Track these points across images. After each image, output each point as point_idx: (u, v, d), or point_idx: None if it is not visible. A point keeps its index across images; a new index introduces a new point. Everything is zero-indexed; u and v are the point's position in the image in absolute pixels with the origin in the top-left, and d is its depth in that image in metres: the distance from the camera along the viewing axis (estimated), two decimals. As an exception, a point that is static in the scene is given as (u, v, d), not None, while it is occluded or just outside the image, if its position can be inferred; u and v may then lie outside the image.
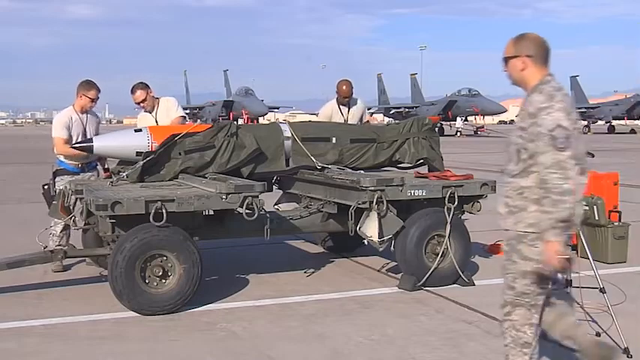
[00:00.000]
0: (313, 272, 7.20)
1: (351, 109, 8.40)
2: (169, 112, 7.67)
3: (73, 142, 7.24)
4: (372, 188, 6.30)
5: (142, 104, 7.66)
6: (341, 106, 8.39)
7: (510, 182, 3.70)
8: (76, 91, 7.44)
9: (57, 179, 7.31)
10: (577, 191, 3.45)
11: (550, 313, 3.77)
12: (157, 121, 7.60)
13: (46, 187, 7.33)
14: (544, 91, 3.54)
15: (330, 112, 8.45)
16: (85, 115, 7.44)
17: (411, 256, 6.50)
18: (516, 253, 3.64)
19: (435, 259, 6.54)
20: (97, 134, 7.44)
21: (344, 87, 8.28)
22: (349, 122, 8.28)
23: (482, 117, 60.52)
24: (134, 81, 7.75)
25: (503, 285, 3.74)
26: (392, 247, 6.56)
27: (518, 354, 3.70)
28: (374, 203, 6.29)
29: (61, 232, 7.19)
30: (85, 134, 7.35)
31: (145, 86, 7.67)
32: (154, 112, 7.67)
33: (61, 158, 7.39)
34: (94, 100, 7.44)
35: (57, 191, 7.08)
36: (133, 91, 7.66)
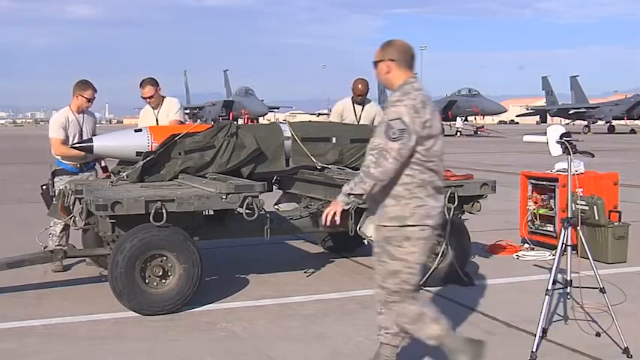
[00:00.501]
0: (313, 272, 7.20)
1: (364, 109, 8.36)
2: (170, 112, 7.69)
3: (70, 142, 7.25)
4: (372, 188, 6.29)
5: (148, 100, 7.69)
6: (355, 105, 8.36)
7: None
8: (72, 91, 7.44)
9: (56, 179, 7.31)
10: (383, 181, 3.72)
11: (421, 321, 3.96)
12: (157, 119, 7.63)
13: (44, 187, 7.33)
14: (402, 89, 3.82)
15: (341, 109, 8.41)
16: (81, 115, 7.45)
17: (411, 256, 6.49)
18: (386, 254, 3.87)
19: (435, 259, 6.53)
20: (94, 134, 7.45)
21: (359, 85, 8.25)
22: (361, 122, 8.25)
23: (482, 117, 60.55)
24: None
25: (376, 285, 3.98)
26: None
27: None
28: (374, 203, 6.28)
29: (60, 232, 7.19)
30: (81, 134, 7.35)
31: (154, 82, 7.72)
32: (157, 109, 7.69)
33: (60, 158, 7.39)
34: (90, 100, 7.44)
35: (56, 191, 7.08)
36: (142, 85, 7.69)
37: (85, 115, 7.49)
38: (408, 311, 3.89)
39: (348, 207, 3.82)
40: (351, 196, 3.82)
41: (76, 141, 7.23)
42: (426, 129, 3.73)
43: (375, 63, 3.96)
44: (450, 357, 3.98)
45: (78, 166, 7.40)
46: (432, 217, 3.84)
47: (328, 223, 3.89)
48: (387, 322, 4.08)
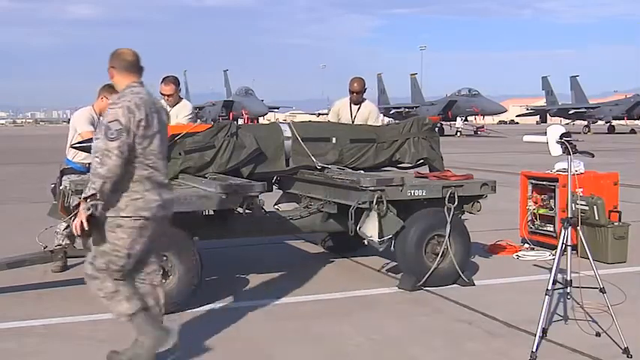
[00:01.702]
0: (313, 272, 7.20)
1: (360, 108, 8.35)
2: (179, 114, 7.73)
3: (76, 139, 7.27)
4: (372, 188, 6.30)
5: (167, 97, 7.72)
6: (352, 105, 8.35)
7: None
8: (98, 93, 7.45)
9: (64, 178, 7.33)
10: (110, 178, 4.06)
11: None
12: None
13: (53, 185, 7.37)
14: (121, 93, 4.27)
15: (338, 108, 8.40)
16: (102, 118, 7.48)
17: (411, 256, 6.50)
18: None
19: (435, 259, 6.53)
20: None
21: (355, 84, 8.24)
22: (356, 121, 8.22)
23: (482, 117, 60.56)
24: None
25: (87, 258, 4.36)
26: (392, 247, 6.56)
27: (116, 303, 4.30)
28: (374, 203, 6.29)
29: (64, 229, 7.19)
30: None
31: (177, 82, 7.82)
32: (171, 109, 7.73)
33: (69, 157, 7.41)
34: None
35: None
36: (164, 82, 7.72)
37: (103, 117, 7.53)
38: (105, 287, 4.27)
39: (90, 211, 4.11)
40: (88, 200, 4.11)
41: (78, 141, 7.25)
42: (140, 128, 4.13)
43: (108, 69, 4.40)
44: (135, 335, 4.35)
45: (87, 165, 7.42)
46: (148, 209, 4.22)
47: (79, 233, 4.17)
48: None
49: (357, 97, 8.28)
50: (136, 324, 4.32)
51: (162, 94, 7.73)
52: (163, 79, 7.76)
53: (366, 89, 8.34)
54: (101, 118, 7.52)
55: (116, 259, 4.24)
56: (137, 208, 4.19)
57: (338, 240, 8.08)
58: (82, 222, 4.10)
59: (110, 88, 7.50)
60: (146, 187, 4.22)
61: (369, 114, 8.34)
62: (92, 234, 4.20)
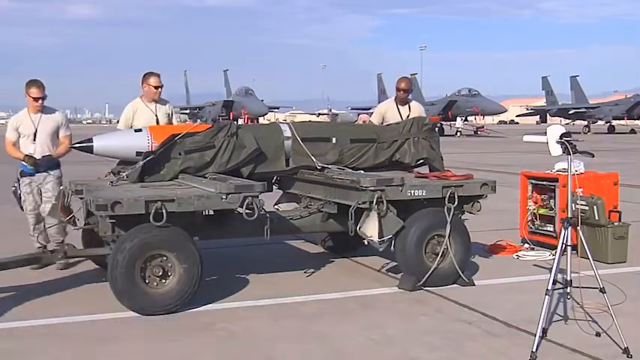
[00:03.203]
0: (313, 272, 7.20)
1: (411, 109, 8.26)
2: (171, 116, 7.65)
3: (21, 144, 7.28)
4: (372, 188, 6.30)
5: (159, 89, 7.42)
6: (400, 107, 8.32)
7: None
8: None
9: (21, 180, 7.39)
10: None
11: None
12: (157, 116, 7.48)
13: (14, 187, 7.43)
14: None
15: (384, 110, 8.36)
16: (37, 116, 7.27)
17: (411, 256, 6.50)
18: None
19: (435, 259, 6.53)
20: (56, 135, 7.37)
21: (402, 83, 8.20)
22: None
23: (482, 117, 60.54)
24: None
25: None
26: (392, 247, 6.56)
27: None
28: (374, 203, 6.29)
29: (34, 231, 7.23)
30: (35, 136, 7.24)
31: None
32: (155, 105, 7.51)
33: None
34: (37, 99, 7.18)
35: (21, 191, 7.28)
36: (154, 76, 7.40)
37: (42, 115, 7.29)
38: None
39: None
40: None
41: (29, 142, 7.23)
42: None
43: None
44: None
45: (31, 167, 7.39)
46: None
47: None
48: None
49: (405, 95, 8.24)
50: None
51: (154, 87, 7.37)
52: (150, 73, 7.40)
53: (412, 89, 8.33)
54: (41, 115, 7.24)
55: None
56: None
57: (338, 240, 8.08)
58: None
59: (29, 83, 7.19)
60: None
61: (419, 114, 8.25)
62: None
